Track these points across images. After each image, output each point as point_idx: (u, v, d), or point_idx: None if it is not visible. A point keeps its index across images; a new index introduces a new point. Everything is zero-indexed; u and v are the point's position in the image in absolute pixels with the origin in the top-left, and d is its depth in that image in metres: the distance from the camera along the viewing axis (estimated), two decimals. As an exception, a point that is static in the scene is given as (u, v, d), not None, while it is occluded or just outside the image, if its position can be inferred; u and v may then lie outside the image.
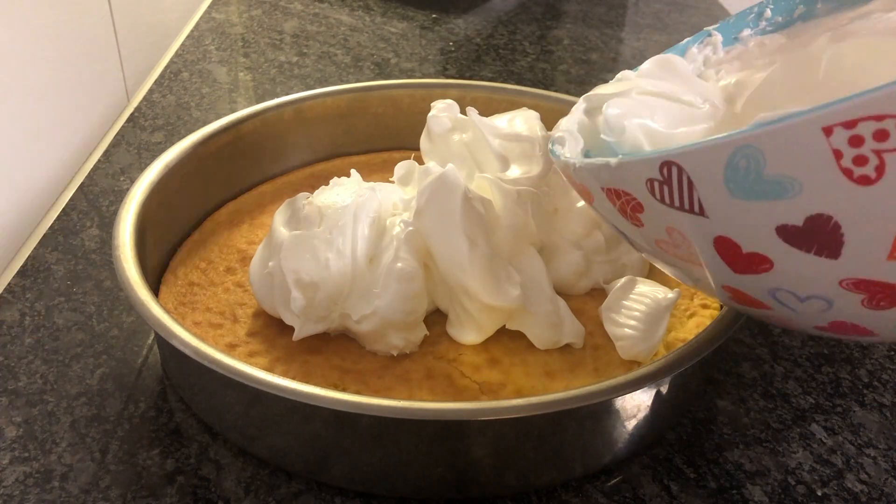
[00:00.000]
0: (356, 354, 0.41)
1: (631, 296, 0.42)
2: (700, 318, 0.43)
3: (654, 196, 0.28)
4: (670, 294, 0.41)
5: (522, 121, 0.50)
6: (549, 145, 0.37)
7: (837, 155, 0.24)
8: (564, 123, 0.39)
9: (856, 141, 0.23)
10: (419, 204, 0.41)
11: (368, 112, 0.57)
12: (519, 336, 0.41)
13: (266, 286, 0.41)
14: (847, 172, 0.24)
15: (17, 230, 0.51)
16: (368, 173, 0.50)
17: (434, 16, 0.89)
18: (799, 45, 0.40)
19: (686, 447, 0.39)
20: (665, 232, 0.30)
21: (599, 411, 0.36)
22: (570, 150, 0.36)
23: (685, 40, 0.44)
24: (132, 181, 0.46)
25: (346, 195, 0.43)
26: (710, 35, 0.43)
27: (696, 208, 0.27)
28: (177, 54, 0.77)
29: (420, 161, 0.48)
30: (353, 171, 0.46)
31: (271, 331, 0.42)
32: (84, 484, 0.37)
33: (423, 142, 0.49)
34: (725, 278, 0.30)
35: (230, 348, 0.41)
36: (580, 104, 0.39)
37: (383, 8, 0.90)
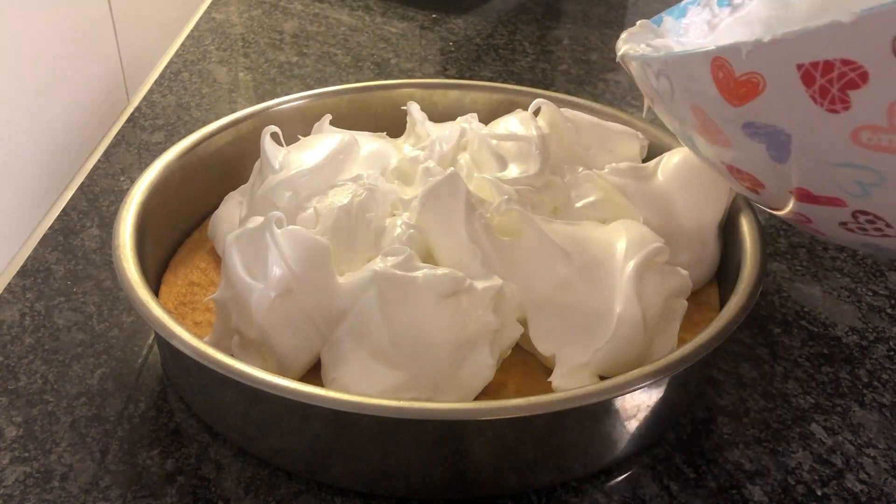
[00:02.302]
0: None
1: None
2: (700, 318, 0.43)
3: None
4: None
5: (518, 121, 0.50)
6: (638, 61, 0.38)
7: None
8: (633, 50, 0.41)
9: None
10: (421, 205, 0.41)
11: (368, 112, 0.57)
12: (519, 336, 0.41)
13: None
14: None
15: (17, 230, 0.51)
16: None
17: (434, 16, 0.89)
18: None
19: (686, 447, 0.39)
20: (886, 112, 0.27)
21: (599, 411, 0.36)
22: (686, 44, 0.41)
23: (684, 1, 0.47)
24: (132, 181, 0.46)
25: (343, 196, 0.43)
26: None
27: None
28: (177, 54, 0.77)
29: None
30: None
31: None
32: (84, 484, 0.37)
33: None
34: None
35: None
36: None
37: (383, 8, 0.90)
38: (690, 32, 0.47)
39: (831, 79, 0.28)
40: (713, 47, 0.32)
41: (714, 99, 0.33)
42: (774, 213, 0.38)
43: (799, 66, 0.28)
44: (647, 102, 0.44)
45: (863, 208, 0.32)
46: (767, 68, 0.30)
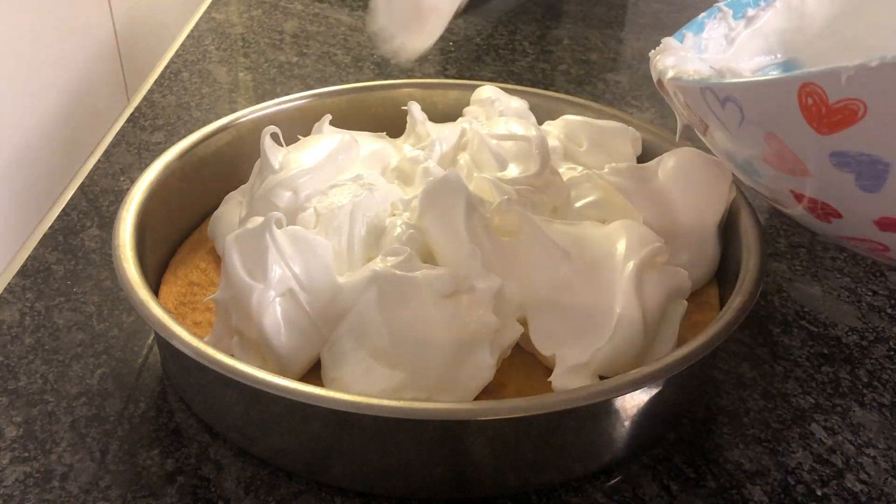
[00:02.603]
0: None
1: None
2: (700, 318, 0.43)
3: None
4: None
5: (516, 121, 0.50)
6: (699, 85, 0.37)
7: None
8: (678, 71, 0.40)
9: None
10: (422, 205, 0.41)
11: (368, 112, 0.57)
12: (519, 336, 0.41)
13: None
14: None
15: (17, 230, 0.51)
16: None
17: (434, 16, 0.88)
18: None
19: (686, 447, 0.39)
20: None
21: (599, 411, 0.36)
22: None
23: (700, 16, 0.47)
24: (132, 181, 0.46)
25: (342, 196, 0.43)
26: (720, 10, 0.46)
27: None
28: (177, 54, 0.77)
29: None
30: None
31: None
32: (84, 484, 0.37)
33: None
34: None
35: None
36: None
37: (383, 8, 0.90)
38: (710, 48, 0.47)
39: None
40: (802, 72, 0.30)
41: (798, 127, 0.31)
42: (841, 241, 0.38)
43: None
44: (681, 124, 0.43)
45: None
46: (871, 94, 0.28)
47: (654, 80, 0.41)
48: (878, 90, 0.28)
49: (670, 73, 0.39)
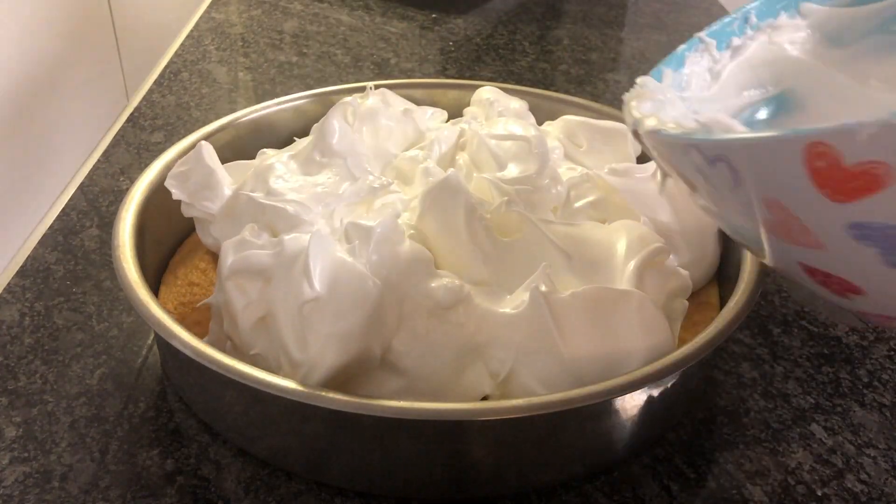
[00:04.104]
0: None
1: None
2: (700, 318, 0.43)
3: None
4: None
5: (515, 121, 0.50)
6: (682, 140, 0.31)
7: None
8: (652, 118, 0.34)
9: None
10: (422, 207, 0.41)
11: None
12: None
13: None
14: None
15: (17, 230, 0.51)
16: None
17: (434, 16, 0.89)
18: None
19: (686, 447, 0.39)
20: None
21: (599, 411, 0.36)
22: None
23: (680, 48, 0.41)
24: (132, 181, 0.46)
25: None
26: (701, 41, 0.41)
27: None
28: (177, 54, 0.77)
29: None
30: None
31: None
32: (84, 484, 0.37)
33: None
34: None
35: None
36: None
37: (383, 8, 0.90)
38: (692, 85, 0.41)
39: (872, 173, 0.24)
40: (809, 130, 0.25)
41: (806, 194, 0.26)
42: (862, 318, 0.34)
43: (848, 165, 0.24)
44: (660, 177, 0.38)
45: None
46: None
47: (629, 128, 0.35)
48: None
49: (647, 124, 0.33)
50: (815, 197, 0.26)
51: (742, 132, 0.31)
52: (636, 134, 0.34)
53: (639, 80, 0.38)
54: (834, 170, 0.25)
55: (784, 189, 0.27)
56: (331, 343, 0.34)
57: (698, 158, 0.29)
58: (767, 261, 0.33)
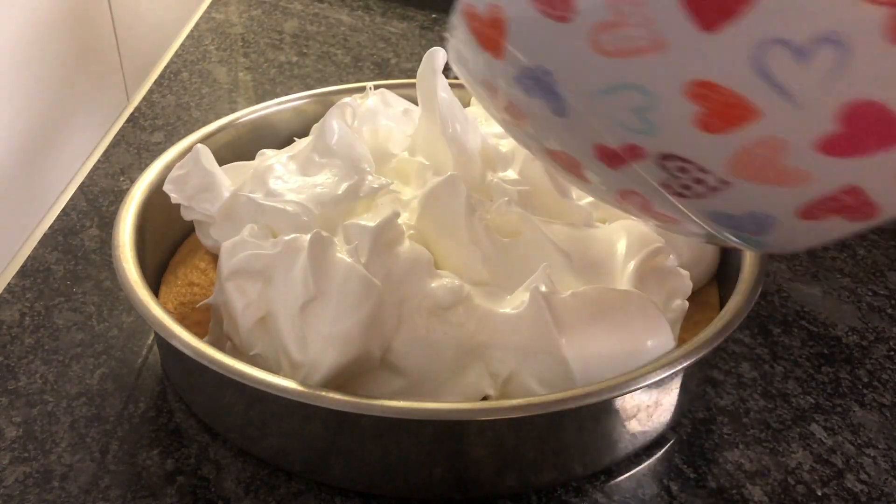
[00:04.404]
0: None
1: None
2: (700, 318, 0.43)
3: None
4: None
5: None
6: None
7: None
8: None
9: None
10: (421, 207, 0.41)
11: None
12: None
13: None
14: None
15: (17, 230, 0.51)
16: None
17: (434, 16, 0.89)
18: None
19: (686, 447, 0.39)
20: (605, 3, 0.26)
21: (599, 411, 0.36)
22: None
23: None
24: (132, 181, 0.46)
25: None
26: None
27: None
28: (177, 54, 0.77)
29: None
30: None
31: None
32: (84, 484, 0.37)
33: None
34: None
35: (230, 348, 0.41)
36: None
37: (383, 8, 0.90)
38: None
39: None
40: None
41: (478, 56, 0.29)
42: (642, 218, 0.34)
43: None
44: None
45: (662, 149, 0.28)
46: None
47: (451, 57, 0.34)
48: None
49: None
50: (484, 57, 0.29)
51: None
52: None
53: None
54: (481, 25, 0.28)
55: (472, 63, 0.31)
56: (331, 344, 0.34)
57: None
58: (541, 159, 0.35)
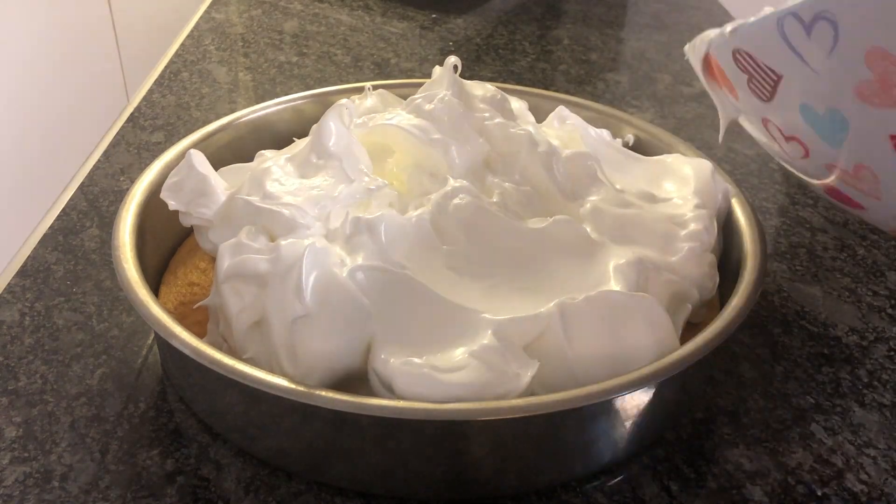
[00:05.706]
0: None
1: None
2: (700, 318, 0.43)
3: None
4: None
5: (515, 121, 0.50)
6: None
7: None
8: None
9: None
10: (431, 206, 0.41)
11: (368, 112, 0.57)
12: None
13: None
14: None
15: (17, 230, 0.51)
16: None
17: (434, 16, 0.89)
18: None
19: (686, 447, 0.39)
20: None
21: (599, 411, 0.36)
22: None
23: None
24: (132, 181, 0.46)
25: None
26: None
27: None
28: (177, 54, 0.77)
29: None
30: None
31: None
32: (84, 484, 0.37)
33: None
34: None
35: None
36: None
37: (383, 8, 0.90)
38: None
39: None
40: None
41: None
42: None
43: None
44: (725, 120, 0.36)
45: None
46: None
47: (698, 65, 0.33)
48: None
49: (728, 27, 0.31)
50: None
51: None
52: (707, 66, 0.33)
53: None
54: None
55: (891, 32, 0.25)
56: (319, 361, 0.35)
57: (794, 28, 0.28)
58: (845, 158, 0.30)
